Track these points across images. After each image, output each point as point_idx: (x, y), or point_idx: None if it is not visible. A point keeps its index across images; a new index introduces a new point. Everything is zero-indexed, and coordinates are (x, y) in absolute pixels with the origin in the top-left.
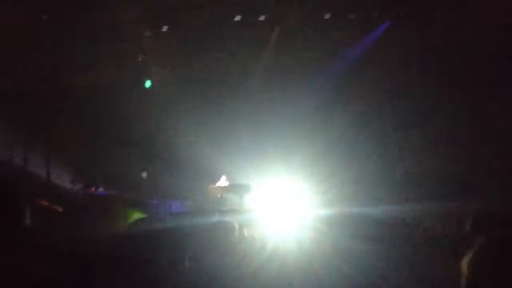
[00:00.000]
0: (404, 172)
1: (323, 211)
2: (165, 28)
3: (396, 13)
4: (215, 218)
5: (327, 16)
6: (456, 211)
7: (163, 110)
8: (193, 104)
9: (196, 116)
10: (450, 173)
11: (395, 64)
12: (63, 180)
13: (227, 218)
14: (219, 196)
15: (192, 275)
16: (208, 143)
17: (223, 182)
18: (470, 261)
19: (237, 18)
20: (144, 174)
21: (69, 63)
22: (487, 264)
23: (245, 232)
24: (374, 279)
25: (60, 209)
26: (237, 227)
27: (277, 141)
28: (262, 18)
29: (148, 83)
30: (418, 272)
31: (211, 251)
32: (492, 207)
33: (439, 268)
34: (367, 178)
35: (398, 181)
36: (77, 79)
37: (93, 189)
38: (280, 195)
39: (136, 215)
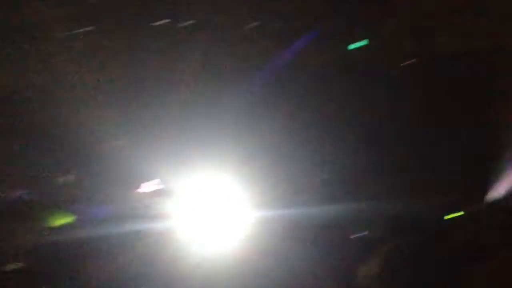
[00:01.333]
0: (332, 171)
1: (260, 213)
2: (90, 28)
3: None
4: (143, 224)
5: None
6: (380, 211)
7: (86, 110)
8: (118, 104)
9: (123, 117)
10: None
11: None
12: None
13: (156, 224)
14: (147, 200)
15: (122, 282)
16: (137, 144)
17: (152, 185)
18: (378, 265)
19: (162, 22)
20: (65, 177)
21: None
22: (387, 272)
23: (175, 237)
24: (299, 280)
25: None
26: (166, 232)
27: (208, 141)
28: (189, 22)
29: None
30: (338, 272)
31: (139, 258)
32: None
33: (358, 268)
34: (295, 179)
35: (326, 181)
36: None
37: (11, 193)
38: (214, 197)
39: (61, 220)
